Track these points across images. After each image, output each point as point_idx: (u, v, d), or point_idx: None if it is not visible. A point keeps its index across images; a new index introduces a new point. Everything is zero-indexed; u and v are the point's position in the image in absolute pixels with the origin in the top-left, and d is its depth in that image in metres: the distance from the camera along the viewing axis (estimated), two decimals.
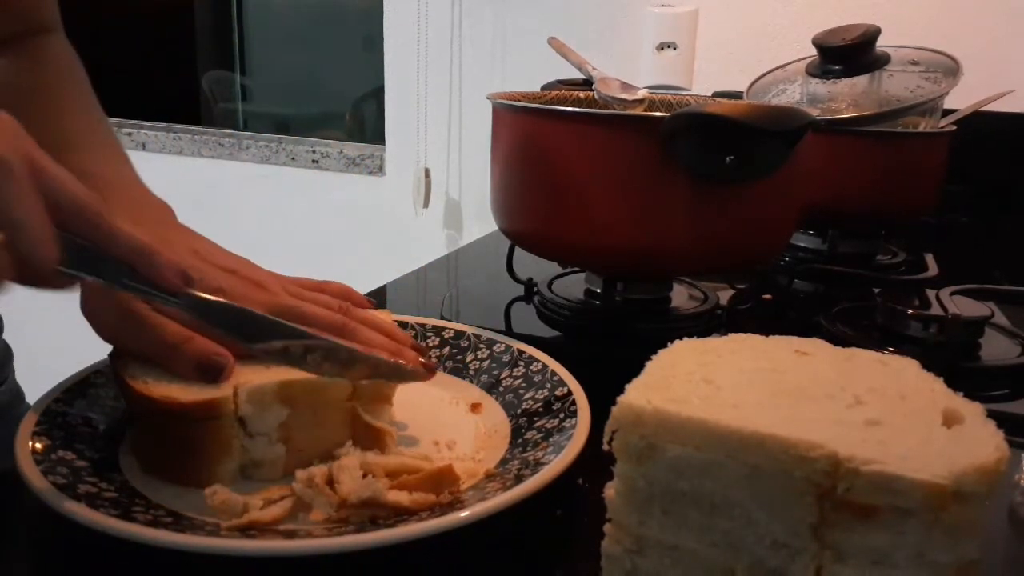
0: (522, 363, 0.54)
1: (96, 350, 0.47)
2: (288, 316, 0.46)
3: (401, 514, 0.38)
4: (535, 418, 0.48)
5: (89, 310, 0.45)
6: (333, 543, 0.35)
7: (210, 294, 0.44)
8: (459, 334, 0.58)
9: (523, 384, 0.52)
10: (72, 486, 0.38)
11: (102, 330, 0.44)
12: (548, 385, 0.51)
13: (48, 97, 0.54)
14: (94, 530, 0.34)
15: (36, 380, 0.60)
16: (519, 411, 0.50)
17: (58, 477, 0.38)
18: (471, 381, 0.54)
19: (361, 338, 0.46)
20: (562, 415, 0.47)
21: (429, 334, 0.58)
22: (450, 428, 0.48)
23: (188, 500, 0.39)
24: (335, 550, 0.34)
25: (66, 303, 0.45)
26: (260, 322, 0.42)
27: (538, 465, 0.41)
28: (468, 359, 0.56)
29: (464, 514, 0.36)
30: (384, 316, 0.52)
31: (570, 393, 0.49)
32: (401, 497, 0.38)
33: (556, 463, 0.40)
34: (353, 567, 0.36)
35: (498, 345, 0.56)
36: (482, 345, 0.57)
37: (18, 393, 0.64)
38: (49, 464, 0.39)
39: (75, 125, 0.53)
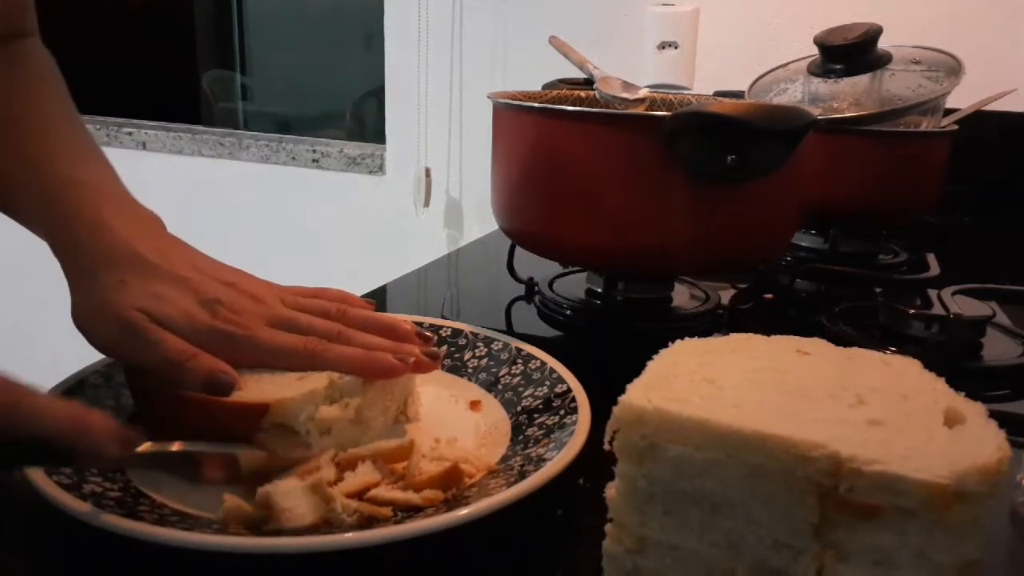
0: (520, 361, 0.54)
1: (94, 352, 0.47)
2: (285, 328, 0.46)
3: (410, 511, 0.38)
4: (535, 415, 0.48)
5: (83, 322, 0.44)
6: (339, 540, 0.35)
7: (208, 306, 0.44)
8: (456, 332, 0.58)
9: (522, 382, 0.52)
10: (77, 486, 0.38)
11: (98, 342, 0.44)
12: (547, 382, 0.51)
13: (30, 103, 0.53)
14: (97, 531, 0.34)
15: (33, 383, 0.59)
16: (519, 408, 0.50)
17: (63, 477, 0.38)
18: (469, 379, 0.54)
19: (359, 342, 0.46)
20: (562, 412, 0.47)
21: (426, 332, 0.58)
22: (450, 426, 0.48)
23: (191, 499, 0.39)
24: (341, 547, 0.34)
25: (64, 305, 0.45)
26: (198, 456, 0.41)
27: (541, 461, 0.41)
28: (466, 357, 0.56)
29: (467, 510, 0.36)
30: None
31: (570, 390, 0.49)
32: (412, 496, 0.38)
33: (559, 459, 0.40)
34: (356, 563, 0.36)
35: (496, 343, 0.56)
36: (480, 343, 0.57)
37: None
38: None
39: (59, 131, 0.52)
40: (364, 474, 0.40)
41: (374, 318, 0.50)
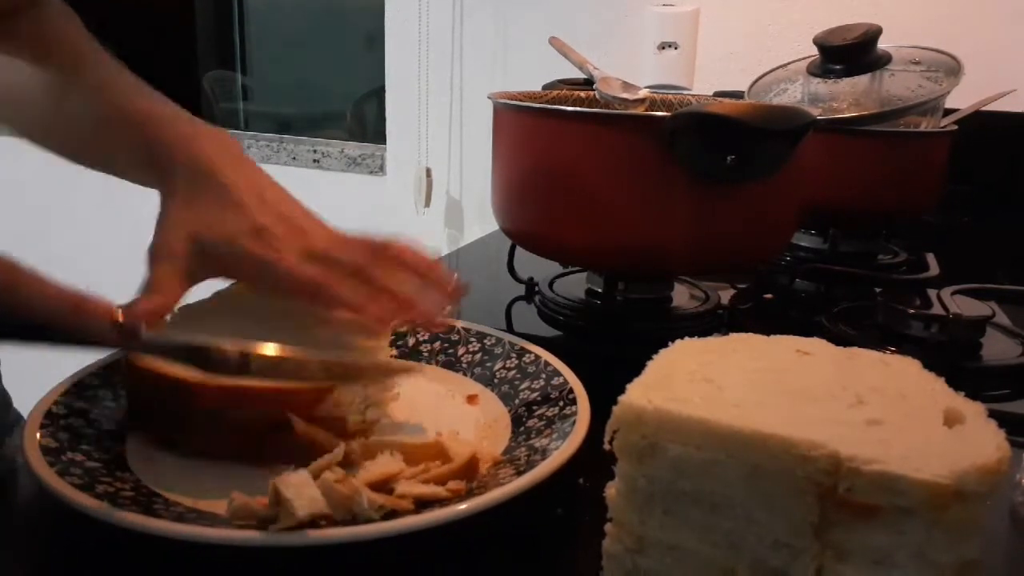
0: (514, 355, 0.54)
1: (93, 353, 0.47)
2: (315, 260, 0.47)
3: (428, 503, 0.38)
4: (534, 407, 0.49)
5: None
6: (349, 532, 0.35)
7: (255, 232, 0.46)
8: (449, 328, 0.58)
9: (518, 375, 0.53)
10: (90, 486, 0.37)
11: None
12: (543, 375, 0.51)
13: (79, 52, 0.55)
14: (100, 531, 0.34)
15: (27, 383, 0.59)
16: (517, 401, 0.50)
17: (74, 478, 0.38)
18: (464, 374, 0.55)
19: (380, 280, 0.48)
20: (561, 403, 0.47)
21: (419, 328, 0.58)
22: (450, 420, 0.49)
23: (200, 500, 0.39)
24: (352, 539, 0.34)
25: None
26: (204, 349, 0.42)
27: (547, 451, 0.41)
28: (460, 352, 0.56)
29: (468, 504, 0.36)
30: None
31: (566, 382, 0.49)
32: (438, 490, 0.38)
33: (565, 447, 0.41)
34: (356, 557, 0.37)
35: (489, 338, 0.57)
36: (473, 338, 0.57)
37: (5, 399, 0.63)
38: (62, 466, 0.39)
39: (111, 71, 0.54)
40: (385, 464, 0.40)
41: (408, 259, 0.50)
